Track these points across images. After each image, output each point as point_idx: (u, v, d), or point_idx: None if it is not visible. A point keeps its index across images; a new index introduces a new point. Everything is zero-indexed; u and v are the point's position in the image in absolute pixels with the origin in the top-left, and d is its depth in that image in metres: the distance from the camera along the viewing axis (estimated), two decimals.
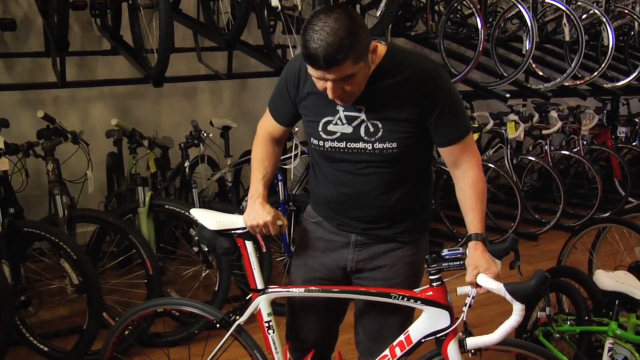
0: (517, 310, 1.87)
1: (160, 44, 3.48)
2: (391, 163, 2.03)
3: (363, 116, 2.00)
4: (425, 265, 2.02)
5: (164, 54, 3.50)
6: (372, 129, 1.99)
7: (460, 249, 1.99)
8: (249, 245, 2.20)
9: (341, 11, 1.79)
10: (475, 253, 1.97)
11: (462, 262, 1.98)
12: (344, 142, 2.03)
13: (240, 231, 2.17)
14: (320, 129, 2.06)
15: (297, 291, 2.17)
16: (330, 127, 2.04)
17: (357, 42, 1.78)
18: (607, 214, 5.88)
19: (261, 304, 2.21)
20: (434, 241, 5.17)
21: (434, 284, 2.02)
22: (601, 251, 3.98)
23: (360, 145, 2.01)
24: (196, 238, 2.22)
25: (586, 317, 3.00)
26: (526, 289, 1.85)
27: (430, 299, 2.03)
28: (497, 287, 1.87)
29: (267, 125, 2.26)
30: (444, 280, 2.04)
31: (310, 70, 1.86)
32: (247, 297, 2.25)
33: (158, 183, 4.46)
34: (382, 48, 1.98)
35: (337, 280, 2.23)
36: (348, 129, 2.02)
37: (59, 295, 3.64)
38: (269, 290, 2.21)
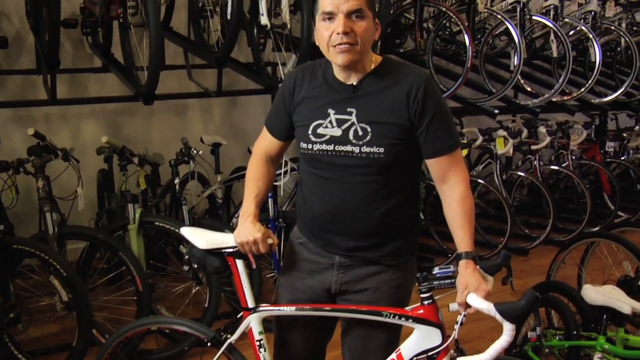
0: (508, 330, 1.86)
1: (150, 62, 3.50)
2: (377, 170, 2.03)
3: (353, 119, 2.03)
4: (417, 284, 2.01)
5: (154, 72, 3.52)
6: (361, 133, 2.01)
7: (451, 266, 1.99)
8: (239, 264, 2.19)
9: None
10: (465, 272, 1.98)
11: (453, 280, 1.97)
12: (332, 145, 2.05)
13: (231, 250, 2.16)
14: (310, 132, 2.08)
15: (288, 310, 2.16)
16: (320, 130, 2.06)
17: None
18: (597, 228, 5.91)
19: (252, 322, 2.20)
20: (424, 257, 5.19)
21: (425, 302, 2.01)
22: (590, 265, 4.01)
23: (348, 148, 2.03)
24: (186, 257, 2.21)
25: (575, 332, 3.02)
26: (516, 309, 1.85)
27: (422, 317, 2.02)
28: (488, 308, 1.87)
29: (264, 144, 2.28)
30: (435, 297, 2.03)
31: (325, 3, 1.93)
32: (238, 316, 2.23)
33: (149, 200, 4.46)
34: (378, 57, 2.07)
35: (321, 301, 2.21)
36: (337, 132, 2.04)
37: (49, 312, 3.63)
38: (260, 308, 2.20)
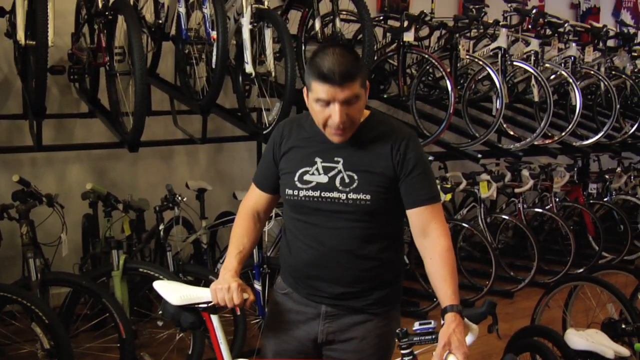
0: None
1: (135, 110, 3.54)
2: (363, 216, 2.07)
3: (340, 167, 2.08)
4: (397, 340, 1.98)
5: (139, 120, 3.56)
6: (347, 180, 2.07)
7: (432, 322, 1.95)
8: (214, 319, 2.14)
9: (344, 45, 2.08)
10: (449, 328, 1.92)
11: (434, 337, 1.93)
12: (319, 192, 2.08)
13: (205, 305, 2.11)
14: (296, 178, 2.11)
15: None
16: (307, 177, 2.10)
17: (362, 68, 2.03)
18: (582, 270, 5.93)
19: None
20: (410, 301, 5.18)
21: (406, 359, 1.98)
22: (575, 308, 4.03)
23: (335, 194, 2.07)
24: (160, 312, 2.16)
25: None
26: None
27: None
28: None
29: (252, 201, 2.29)
30: (416, 353, 2.00)
31: (321, 92, 1.97)
32: None
33: (133, 245, 4.45)
34: (366, 111, 2.14)
35: (307, 352, 2.22)
36: (324, 179, 2.08)
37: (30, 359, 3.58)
38: None
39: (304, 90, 2.09)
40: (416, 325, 1.95)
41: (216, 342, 2.15)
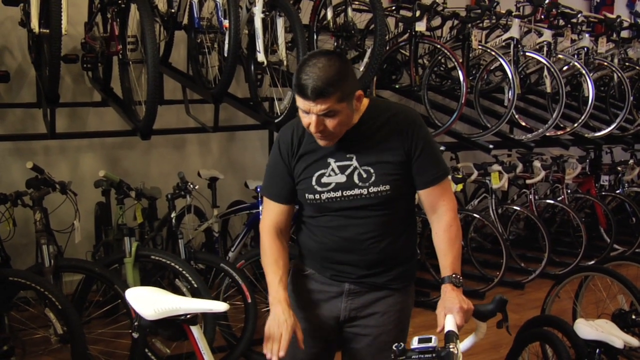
0: None
1: (148, 98, 3.56)
2: (386, 205, 2.13)
3: (355, 163, 2.11)
4: (393, 356, 1.81)
5: (152, 108, 3.58)
6: (365, 175, 2.10)
7: (433, 338, 1.82)
8: (194, 330, 2.08)
9: (335, 55, 2.00)
10: (444, 296, 2.06)
11: (434, 356, 1.79)
12: (340, 191, 2.11)
13: (183, 317, 2.04)
14: (314, 182, 2.14)
15: None
16: (324, 179, 2.13)
17: (344, 83, 1.96)
18: (593, 262, 5.91)
19: None
20: (420, 291, 5.18)
21: None
22: (585, 299, 4.01)
23: (356, 191, 2.11)
24: (135, 323, 2.03)
25: None
26: None
27: None
28: None
29: (270, 218, 2.25)
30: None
31: (299, 102, 1.99)
32: None
33: (145, 233, 4.48)
34: (365, 100, 2.15)
35: (329, 330, 2.26)
36: (342, 178, 2.11)
37: (43, 345, 3.62)
38: None
39: None
40: (415, 343, 1.82)
41: (199, 353, 2.09)
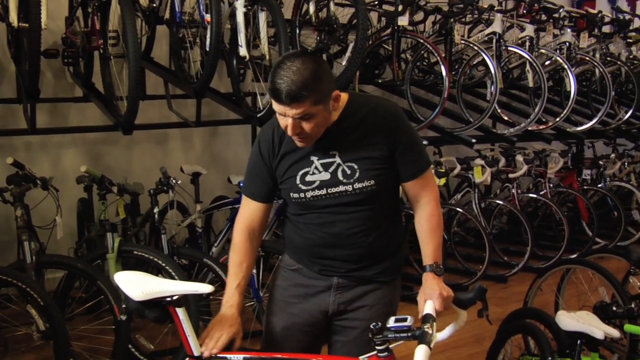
0: None
1: (129, 93, 3.54)
2: (371, 200, 2.13)
3: (338, 160, 2.11)
4: (370, 335, 1.93)
5: (133, 103, 3.56)
6: (349, 172, 2.10)
7: (408, 318, 1.89)
8: (180, 312, 2.08)
9: (310, 56, 1.97)
10: (425, 283, 2.10)
11: (409, 334, 1.86)
12: (325, 189, 2.11)
13: (169, 299, 2.05)
14: (298, 181, 2.13)
15: (234, 357, 2.11)
16: (308, 178, 2.12)
17: (320, 85, 1.93)
18: (575, 255, 5.96)
19: None
20: (404, 285, 5.19)
21: (380, 355, 1.93)
22: (567, 292, 4.05)
23: (341, 188, 2.11)
24: (123, 306, 2.07)
25: (550, 358, 3.04)
26: None
27: None
28: None
29: (246, 216, 2.27)
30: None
31: (274, 105, 1.98)
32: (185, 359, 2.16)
33: (128, 229, 4.46)
34: (344, 96, 2.14)
35: (317, 325, 2.27)
36: (326, 176, 2.11)
37: (25, 342, 3.59)
38: (205, 356, 2.12)
39: None
40: (391, 322, 1.89)
41: (184, 335, 2.10)
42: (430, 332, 1.84)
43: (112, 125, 4.20)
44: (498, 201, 6.08)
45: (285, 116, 1.96)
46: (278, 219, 4.66)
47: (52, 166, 5.17)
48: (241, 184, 4.28)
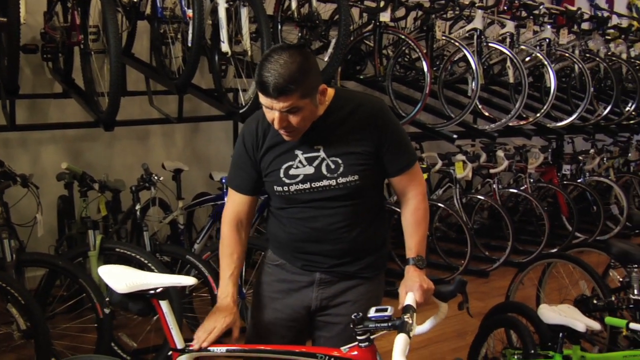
0: None
1: (110, 88, 3.51)
2: (355, 195, 2.13)
3: (322, 154, 2.10)
4: (351, 325, 1.96)
5: (115, 99, 3.53)
6: (333, 166, 2.10)
7: (389, 308, 1.92)
8: (163, 305, 2.10)
9: (297, 50, 1.97)
10: (407, 276, 2.13)
11: (390, 324, 1.89)
12: (308, 183, 2.11)
13: (153, 292, 2.07)
14: (282, 175, 2.13)
15: (218, 350, 2.13)
16: (292, 172, 2.12)
17: (307, 79, 1.94)
18: (555, 250, 6.01)
19: None
20: (386, 280, 5.22)
21: (361, 345, 1.96)
22: (548, 286, 4.10)
23: (325, 182, 2.10)
24: (107, 299, 2.09)
25: (532, 351, 3.07)
26: None
27: (356, 359, 1.98)
28: None
29: (233, 208, 2.27)
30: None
31: (261, 98, 1.97)
32: (168, 354, 2.20)
33: (109, 226, 4.42)
34: (330, 91, 2.13)
35: (300, 320, 2.27)
36: (310, 170, 2.11)
37: (6, 341, 3.54)
38: (190, 349, 2.14)
39: None
40: (372, 312, 1.92)
41: (167, 328, 2.11)
42: (410, 322, 1.87)
43: (94, 121, 4.16)
44: (479, 196, 6.12)
45: (272, 109, 1.96)
46: (260, 216, 4.66)
47: (31, 163, 5.12)
48: (223, 180, 4.27)
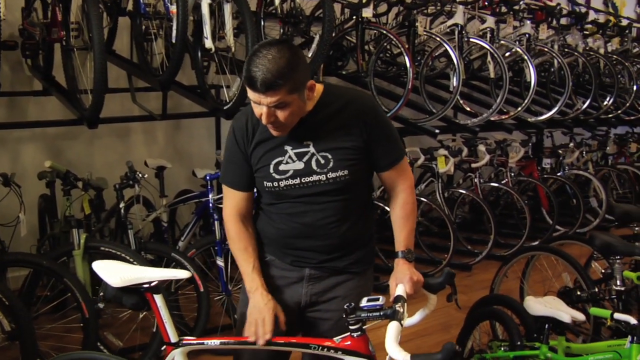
0: None
1: (94, 85, 3.47)
2: (344, 190, 2.14)
3: (312, 150, 2.11)
4: (344, 315, 1.97)
5: (99, 96, 3.50)
6: (322, 161, 2.10)
7: (380, 297, 1.95)
8: (157, 299, 2.12)
9: (285, 45, 1.97)
10: (396, 268, 2.17)
11: (381, 314, 1.92)
12: (298, 178, 2.11)
13: (147, 286, 2.09)
14: (271, 170, 2.13)
15: (212, 343, 2.15)
16: (282, 167, 2.12)
17: (295, 74, 1.93)
18: (536, 243, 6.07)
19: (176, 357, 2.15)
20: None
21: (354, 334, 1.99)
22: (531, 278, 4.14)
23: (314, 177, 2.11)
24: (101, 293, 2.11)
25: (518, 342, 3.10)
26: None
27: (350, 348, 2.00)
28: (404, 359, 1.80)
29: (232, 205, 2.26)
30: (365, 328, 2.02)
31: (249, 93, 1.97)
32: (162, 348, 2.18)
33: (92, 225, 4.38)
34: (319, 86, 2.14)
35: (290, 316, 2.25)
36: (299, 165, 2.11)
37: None
38: (184, 342, 2.16)
39: None
40: (364, 302, 1.95)
41: (161, 322, 2.13)
42: (401, 310, 1.91)
43: (77, 119, 4.12)
44: (461, 190, 6.16)
45: (260, 104, 1.96)
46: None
47: (11, 162, 5.05)
48: (208, 177, 4.26)
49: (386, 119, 2.21)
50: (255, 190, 2.26)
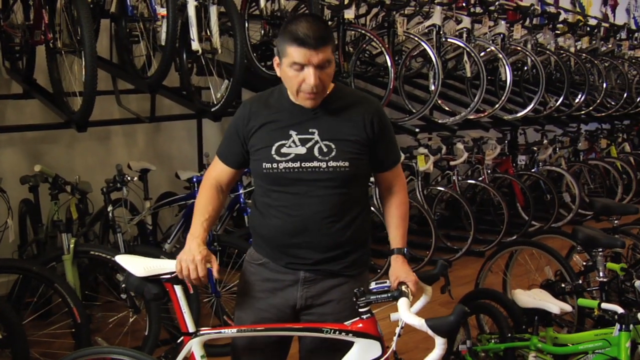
0: (440, 344, 1.92)
1: (85, 88, 3.45)
2: (342, 183, 2.18)
3: (317, 137, 2.16)
4: (354, 299, 2.09)
5: (89, 98, 3.48)
6: (325, 150, 2.15)
7: (387, 281, 2.10)
8: (177, 289, 2.19)
9: (315, 15, 2.15)
10: (395, 265, 2.25)
11: (389, 295, 2.07)
12: (299, 162, 2.15)
13: (169, 276, 2.16)
14: (273, 152, 2.17)
15: (229, 332, 2.20)
16: (284, 150, 2.16)
17: (333, 35, 2.13)
18: (513, 238, 6.19)
19: (194, 347, 2.20)
20: None
21: (364, 317, 2.10)
22: (514, 272, 4.23)
23: (315, 164, 2.15)
24: (123, 285, 2.16)
25: (509, 334, 3.18)
26: (447, 324, 1.91)
27: (361, 330, 2.10)
28: (420, 324, 1.93)
29: (215, 173, 2.34)
30: (374, 311, 2.13)
31: (296, 56, 2.04)
32: (179, 340, 2.23)
33: (77, 229, 4.35)
34: (331, 84, 2.21)
35: (286, 319, 2.28)
36: (302, 150, 2.16)
37: None
38: (201, 332, 2.20)
39: (275, 60, 2.16)
40: (372, 285, 2.10)
41: (180, 312, 2.19)
42: (407, 291, 2.07)
43: (64, 122, 4.08)
44: (440, 188, 6.24)
45: (309, 65, 2.04)
46: (230, 214, 4.66)
47: None
48: (195, 179, 4.26)
49: (389, 123, 2.30)
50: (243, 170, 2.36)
